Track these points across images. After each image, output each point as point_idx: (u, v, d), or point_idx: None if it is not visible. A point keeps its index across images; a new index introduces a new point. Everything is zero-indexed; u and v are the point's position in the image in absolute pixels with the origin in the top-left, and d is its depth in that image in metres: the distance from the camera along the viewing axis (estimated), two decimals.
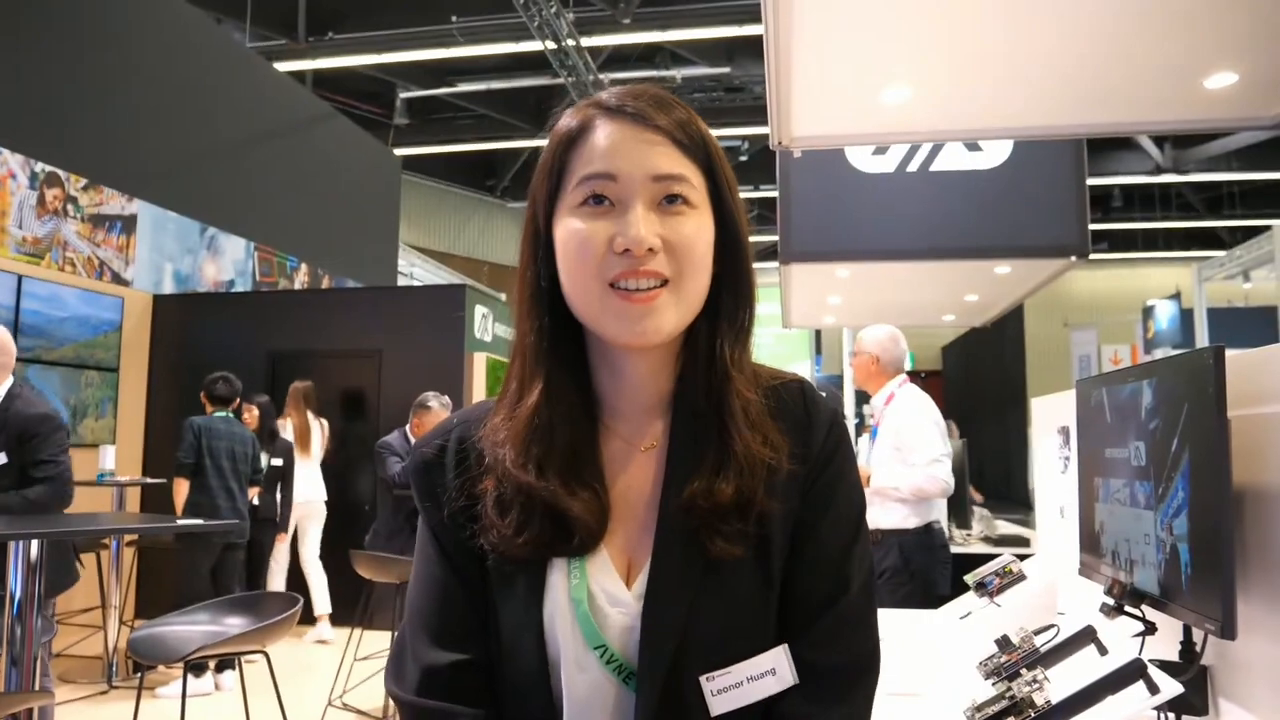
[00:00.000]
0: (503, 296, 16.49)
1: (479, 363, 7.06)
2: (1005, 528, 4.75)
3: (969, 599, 1.94)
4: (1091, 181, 15.44)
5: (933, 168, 4.20)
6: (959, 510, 4.44)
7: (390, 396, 6.77)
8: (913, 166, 4.21)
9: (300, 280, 9.10)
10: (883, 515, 3.74)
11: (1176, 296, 16.45)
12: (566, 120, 0.86)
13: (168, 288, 7.41)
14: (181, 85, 7.70)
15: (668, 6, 11.38)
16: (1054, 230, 4.09)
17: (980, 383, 20.09)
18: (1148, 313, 17.05)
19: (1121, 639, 1.38)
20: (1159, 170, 16.86)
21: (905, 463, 3.71)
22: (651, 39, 12.11)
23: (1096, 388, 1.80)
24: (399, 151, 14.90)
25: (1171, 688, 1.11)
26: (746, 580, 0.81)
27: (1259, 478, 1.32)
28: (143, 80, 7.29)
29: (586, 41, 11.33)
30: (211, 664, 5.00)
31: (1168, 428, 1.44)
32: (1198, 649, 1.47)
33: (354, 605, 4.82)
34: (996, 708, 1.21)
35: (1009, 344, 17.99)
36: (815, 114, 2.54)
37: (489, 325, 7.41)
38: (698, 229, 0.82)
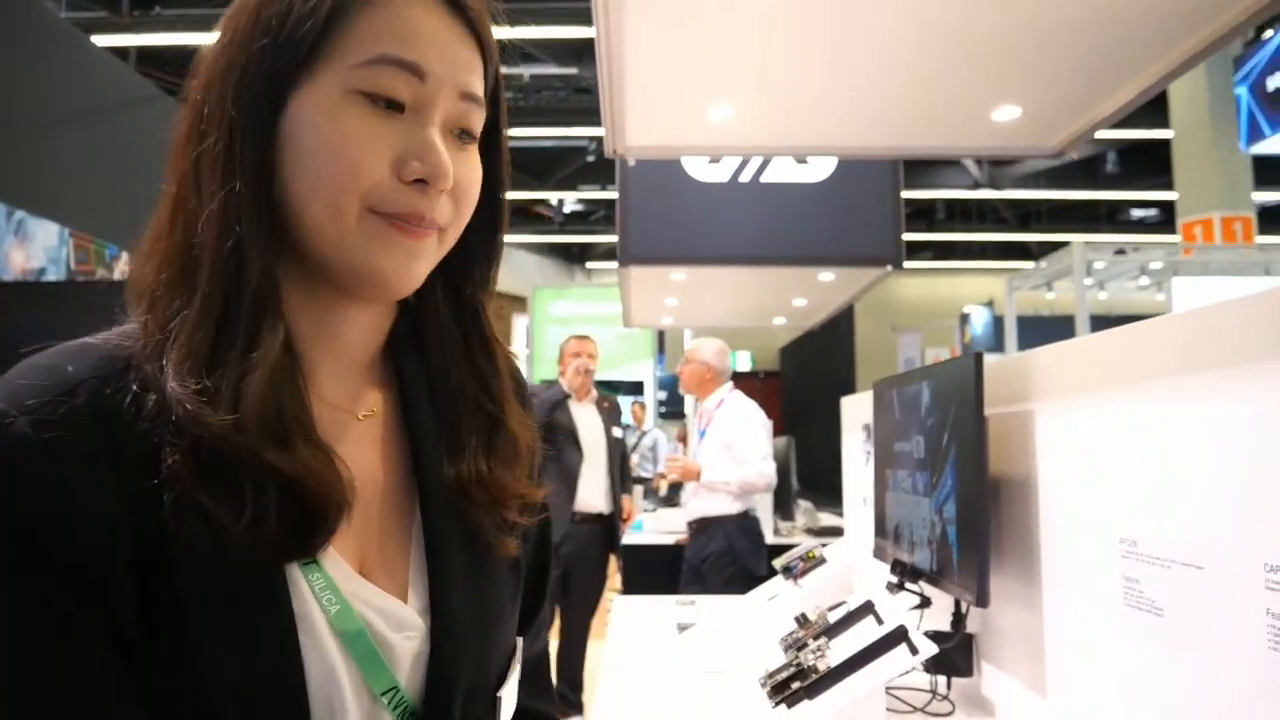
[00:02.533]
0: None
1: None
2: (827, 519, 5.05)
3: (777, 582, 2.11)
4: (918, 195, 16.45)
5: (763, 179, 4.42)
6: (784, 503, 4.69)
7: None
8: (745, 177, 4.43)
9: (120, 270, 8.59)
10: (710, 505, 4.00)
11: (990, 305, 17.74)
12: None
13: None
14: None
15: (517, 3, 11.38)
16: (872, 242, 4.38)
17: (814, 383, 21.01)
18: (965, 319, 18.27)
19: (900, 612, 1.54)
20: (977, 186, 18.15)
21: (735, 460, 3.98)
22: (499, 35, 12.07)
23: (888, 388, 1.99)
24: None
25: (929, 649, 1.27)
26: (509, 582, 0.72)
27: (1011, 467, 1.52)
28: None
29: None
30: None
31: (940, 424, 1.62)
32: (964, 619, 1.67)
33: None
34: (785, 674, 1.34)
35: (841, 346, 18.87)
36: (647, 125, 2.66)
37: None
38: (477, 167, 0.67)
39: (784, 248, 4.43)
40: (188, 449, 0.53)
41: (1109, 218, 20.49)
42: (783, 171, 4.40)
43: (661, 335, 19.22)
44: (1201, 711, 1.01)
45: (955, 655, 1.65)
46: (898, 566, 1.81)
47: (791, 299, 5.62)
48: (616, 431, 4.54)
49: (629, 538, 4.60)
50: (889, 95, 2.53)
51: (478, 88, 0.65)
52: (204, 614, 0.53)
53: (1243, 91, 10.00)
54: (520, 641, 0.74)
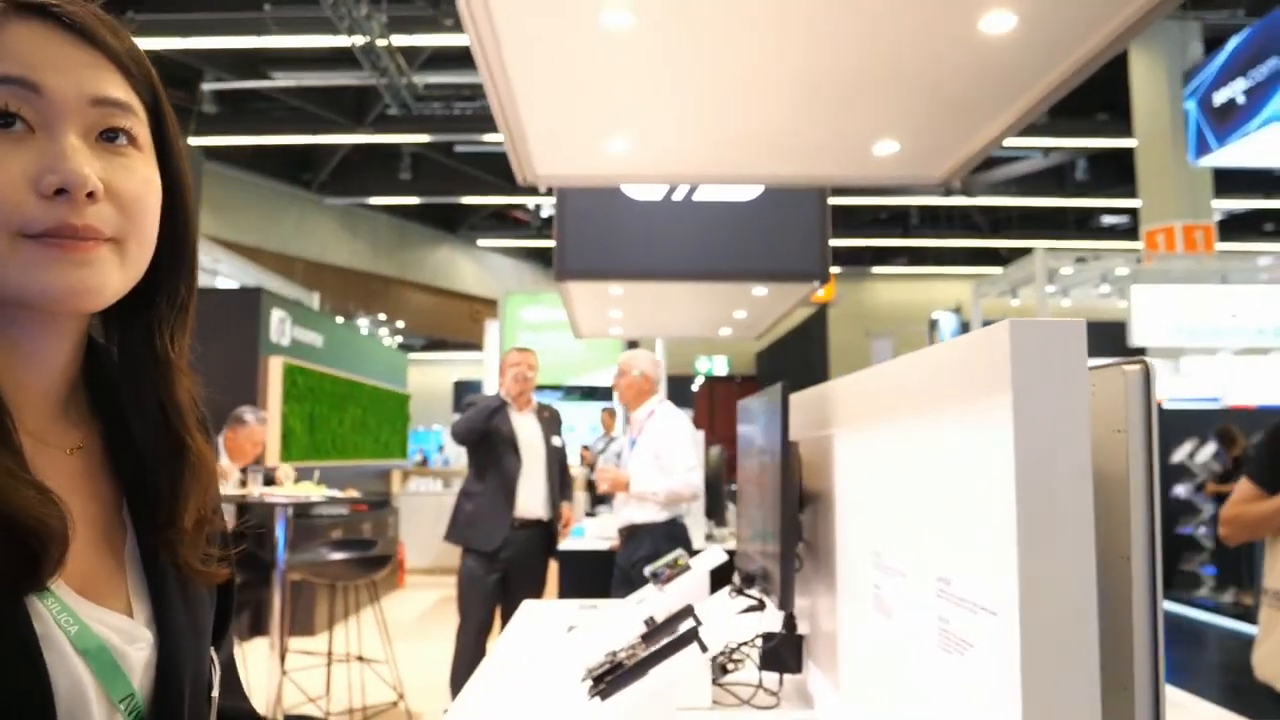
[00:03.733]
0: (316, 296, 16.09)
1: (275, 366, 7.01)
2: None
3: (648, 588, 2.27)
4: (892, 201, 16.52)
5: (696, 198, 4.59)
6: (716, 509, 4.86)
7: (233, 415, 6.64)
8: (678, 196, 4.59)
9: None
10: (638, 512, 4.16)
11: (957, 310, 17.99)
12: None
13: None
14: None
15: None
16: (799, 258, 4.56)
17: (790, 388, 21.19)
18: (933, 325, 18.50)
19: (727, 615, 1.71)
20: (950, 192, 18.37)
21: (663, 470, 4.13)
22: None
23: (748, 406, 2.17)
24: (205, 141, 14.35)
25: (715, 647, 1.43)
26: (208, 596, 0.78)
27: (820, 486, 1.69)
28: None
29: (404, 40, 11.30)
30: None
31: (765, 446, 1.80)
32: (794, 620, 1.83)
33: None
34: (602, 669, 1.51)
35: (815, 352, 19.05)
36: (547, 158, 2.82)
37: (286, 329, 7.37)
38: (148, 177, 0.68)
39: (716, 264, 4.60)
40: None
41: (1080, 224, 20.77)
42: (715, 191, 4.57)
43: (635, 344, 19.45)
44: (917, 708, 1.18)
45: (785, 654, 1.82)
46: (743, 573, 1.97)
47: (731, 311, 5.80)
48: (556, 440, 4.70)
49: (568, 543, 4.76)
50: (775, 129, 2.70)
51: (114, 93, 0.66)
52: None
53: (1191, 106, 10.25)
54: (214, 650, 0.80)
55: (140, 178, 0.67)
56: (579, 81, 2.40)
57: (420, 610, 8.02)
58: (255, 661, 5.36)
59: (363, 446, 8.89)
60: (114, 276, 0.65)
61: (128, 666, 0.66)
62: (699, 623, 1.62)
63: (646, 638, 1.58)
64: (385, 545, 8.25)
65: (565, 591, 4.60)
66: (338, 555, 4.77)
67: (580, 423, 12.13)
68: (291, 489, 4.65)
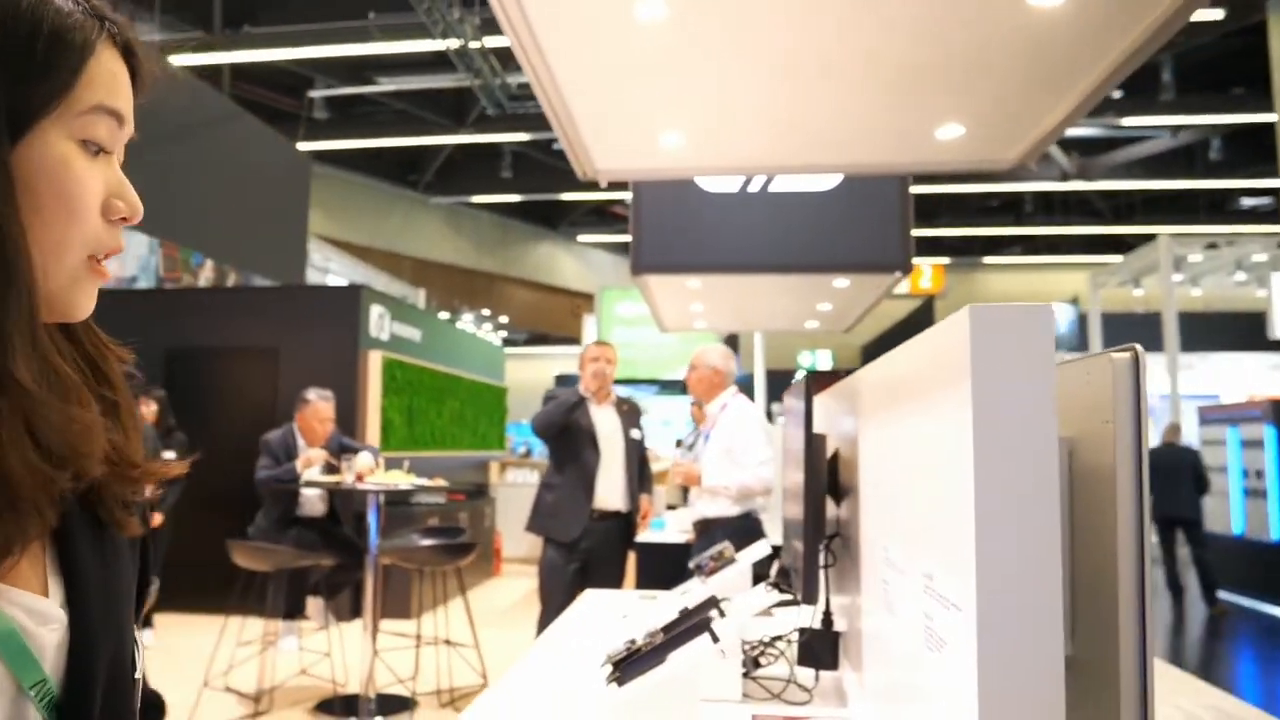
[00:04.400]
0: (422, 292, 16.53)
1: (374, 360, 7.27)
2: None
3: (693, 580, 2.27)
4: (1004, 188, 15.85)
5: (772, 189, 4.53)
6: None
7: (287, 394, 6.93)
8: (754, 187, 4.55)
9: (206, 277, 9.20)
10: (711, 507, 4.15)
11: (1074, 302, 17.23)
12: (71, 6, 0.65)
13: None
14: None
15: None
16: (879, 249, 4.46)
17: None
18: None
19: (755, 607, 1.70)
20: (1065, 177, 17.58)
21: (735, 464, 4.11)
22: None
23: (788, 399, 2.14)
24: (318, 146, 14.94)
25: (740, 641, 1.42)
26: (130, 563, 0.75)
27: (851, 481, 1.65)
28: None
29: (495, 42, 11.51)
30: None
31: (798, 436, 1.77)
32: (830, 617, 1.80)
33: (227, 593, 5.00)
34: (621, 655, 1.52)
35: None
36: (604, 153, 2.83)
37: (385, 324, 7.61)
38: None
39: (794, 256, 4.54)
40: None
41: (1215, 207, 19.62)
42: (791, 182, 4.51)
43: (735, 338, 19.32)
44: (914, 708, 1.15)
45: (820, 649, 1.79)
46: (781, 567, 1.95)
47: (814, 304, 5.71)
48: (635, 433, 4.72)
49: (647, 536, 4.79)
50: (833, 116, 2.65)
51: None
52: None
53: None
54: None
55: None
56: (625, 76, 2.40)
57: (513, 598, 8.19)
58: (351, 641, 5.58)
59: (460, 438, 9.13)
60: None
61: (38, 649, 0.63)
62: (721, 614, 1.61)
63: (668, 627, 1.58)
64: (481, 535, 8.46)
65: (642, 583, 4.63)
66: (425, 541, 4.91)
67: (674, 416, 12.14)
68: (381, 477, 4.80)
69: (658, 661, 1.45)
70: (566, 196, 18.42)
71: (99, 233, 0.65)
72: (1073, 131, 16.18)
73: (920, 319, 15.58)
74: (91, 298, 0.67)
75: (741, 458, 4.11)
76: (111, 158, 0.67)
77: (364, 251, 17.24)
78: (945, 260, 21.71)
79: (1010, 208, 20.91)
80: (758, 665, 1.85)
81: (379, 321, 7.49)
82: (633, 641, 1.55)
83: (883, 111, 2.61)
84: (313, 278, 12.67)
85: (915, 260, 17.59)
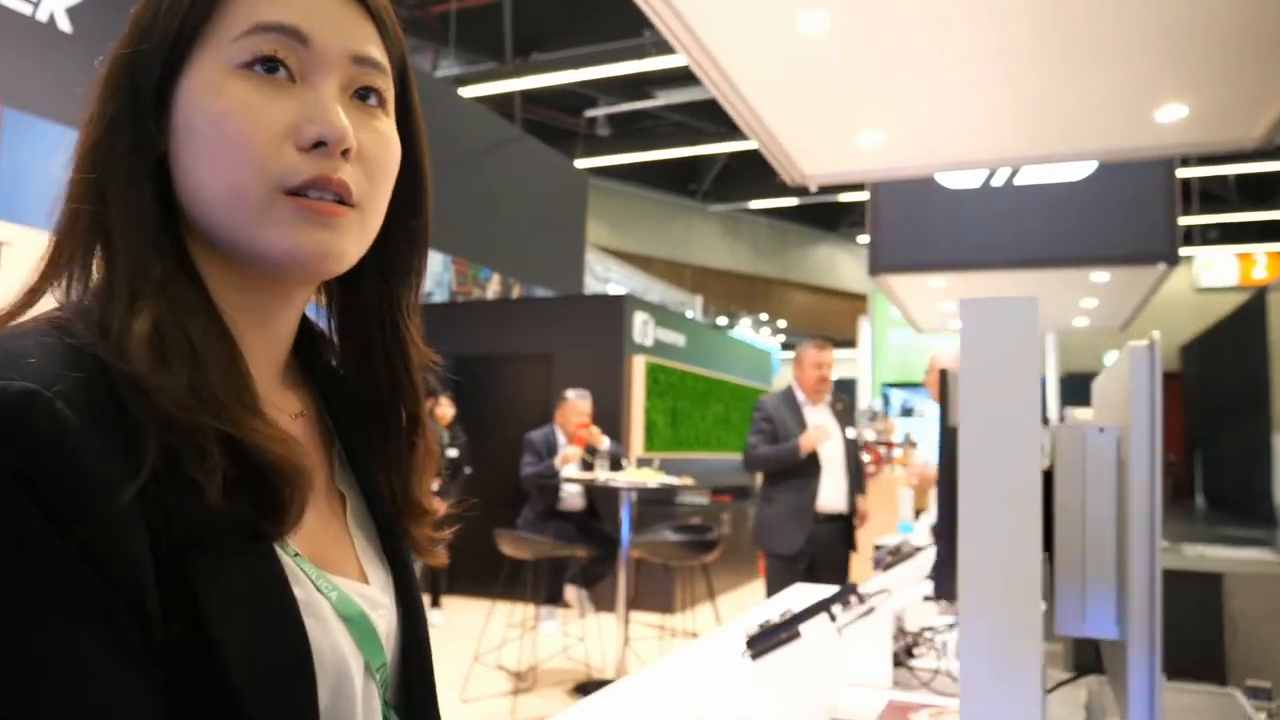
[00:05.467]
0: (699, 299, 17.03)
1: (638, 365, 7.69)
2: None
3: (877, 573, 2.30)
4: None
5: (1018, 182, 4.35)
6: None
7: (560, 395, 7.54)
8: (997, 181, 4.38)
9: (492, 289, 10.14)
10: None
11: None
12: None
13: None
14: None
15: None
16: (1137, 239, 4.14)
17: (1222, 384, 18.49)
18: None
19: (901, 598, 1.73)
20: None
21: None
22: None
23: None
24: (601, 161, 15.89)
25: (846, 620, 1.49)
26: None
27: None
28: None
29: None
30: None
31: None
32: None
33: (494, 580, 5.50)
34: (758, 631, 1.64)
35: (1253, 344, 16.54)
36: (810, 159, 2.92)
37: (649, 330, 8.02)
38: (393, 143, 0.65)
39: (1042, 250, 4.32)
40: (172, 432, 0.52)
41: None
42: (1038, 173, 4.30)
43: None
44: None
45: None
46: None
47: (1077, 299, 5.33)
48: (850, 432, 4.67)
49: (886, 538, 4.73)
50: (1028, 103, 2.57)
51: (374, 53, 0.63)
52: (214, 601, 0.52)
53: None
54: None
55: (386, 141, 0.64)
56: (807, 81, 2.48)
57: None
58: (608, 629, 5.95)
59: (725, 440, 9.39)
60: (354, 243, 0.62)
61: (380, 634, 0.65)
62: (859, 599, 1.67)
63: (801, 612, 1.66)
64: (744, 536, 8.64)
65: None
66: (672, 537, 5.16)
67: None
68: (631, 475, 5.13)
69: (788, 635, 1.55)
70: (845, 198, 18.22)
71: (285, 161, 0.58)
72: None
73: (1251, 313, 13.86)
74: (309, 237, 0.59)
75: None
76: (311, 80, 0.60)
77: (647, 261, 18.05)
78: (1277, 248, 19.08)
79: None
80: (911, 654, 1.87)
81: (643, 328, 7.90)
82: (767, 620, 1.65)
83: (1086, 94, 2.49)
84: (594, 288, 13.53)
85: (1244, 248, 15.59)
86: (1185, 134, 2.57)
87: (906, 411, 13.24)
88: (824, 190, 16.18)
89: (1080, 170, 4.25)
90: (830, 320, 21.36)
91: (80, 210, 0.59)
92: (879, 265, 4.59)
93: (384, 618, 0.66)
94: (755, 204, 19.41)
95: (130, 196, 0.59)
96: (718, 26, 2.13)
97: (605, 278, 14.50)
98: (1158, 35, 2.21)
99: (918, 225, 4.51)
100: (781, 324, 20.64)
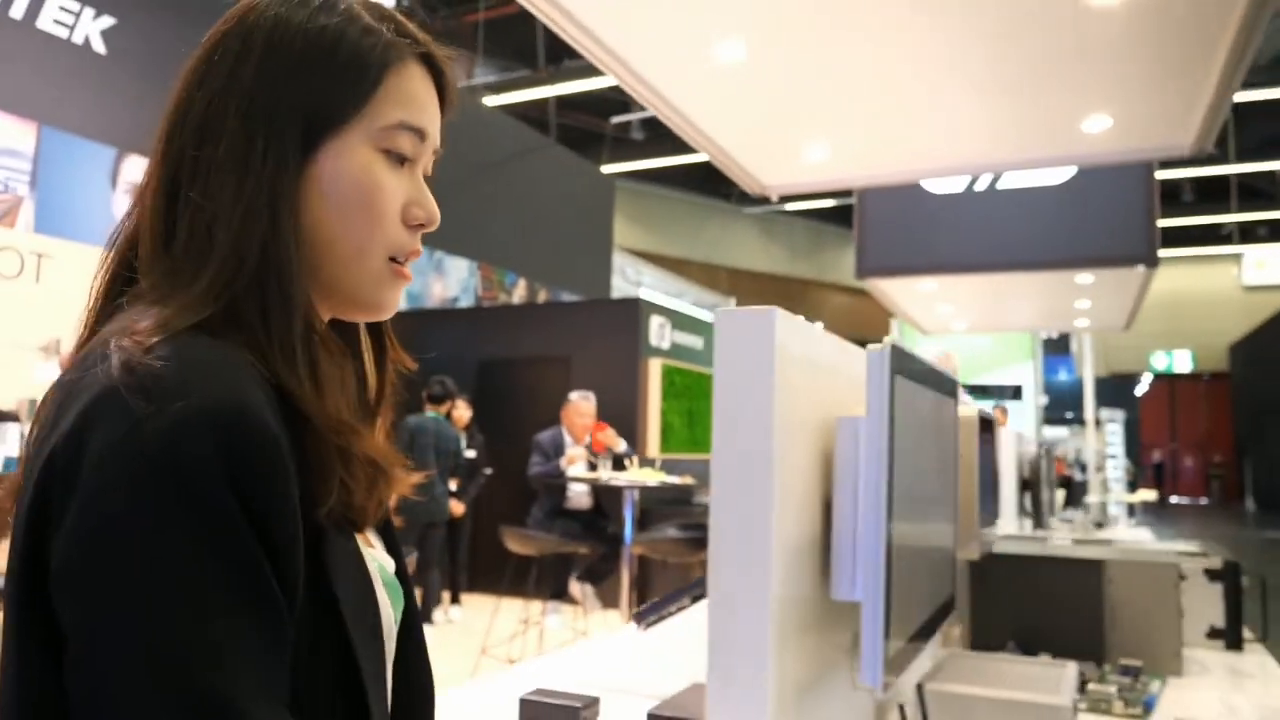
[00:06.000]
0: (732, 301, 17.12)
1: (654, 367, 7.84)
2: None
3: None
4: None
5: (1000, 186, 4.43)
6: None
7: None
8: (980, 186, 4.46)
9: (519, 294, 10.36)
10: None
11: None
12: (377, 26, 0.71)
13: (401, 306, 8.81)
14: None
15: None
16: (1120, 241, 4.19)
17: (1272, 385, 18.08)
18: None
19: None
20: None
21: None
22: None
23: None
24: (635, 165, 16.06)
25: None
26: None
27: None
28: None
29: None
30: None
31: None
32: None
33: (500, 575, 5.68)
34: (647, 606, 1.78)
35: None
36: (764, 171, 3.06)
37: (666, 333, 8.16)
38: None
39: (1025, 253, 4.39)
40: (326, 447, 0.64)
41: None
42: (1021, 177, 4.37)
43: (1066, 339, 17.87)
44: None
45: None
46: None
47: (1070, 301, 5.37)
48: None
49: None
50: (971, 116, 2.68)
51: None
52: (338, 576, 0.64)
53: None
54: None
55: None
56: (743, 99, 2.60)
57: None
58: (613, 625, 6.10)
59: None
60: None
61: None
62: None
63: (686, 588, 1.81)
64: None
65: None
66: (673, 534, 5.30)
67: None
68: (634, 475, 5.28)
69: (676, 608, 1.69)
70: None
71: (399, 236, 0.72)
72: None
73: None
74: (395, 297, 0.74)
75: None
76: (415, 169, 0.74)
77: (682, 265, 18.16)
78: None
79: None
80: None
81: (659, 331, 8.05)
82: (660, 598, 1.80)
83: (1017, 110, 2.59)
84: (627, 291, 13.68)
85: None
86: (1114, 143, 2.65)
87: None
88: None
89: (1061, 174, 4.32)
90: (867, 321, 21.29)
91: (250, 241, 0.65)
92: (866, 268, 4.68)
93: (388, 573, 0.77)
94: (791, 205, 19.43)
95: (286, 229, 0.66)
96: (642, 51, 2.28)
97: (637, 281, 14.65)
98: (1078, 51, 2.31)
99: (904, 229, 4.61)
100: (818, 326, 20.62)
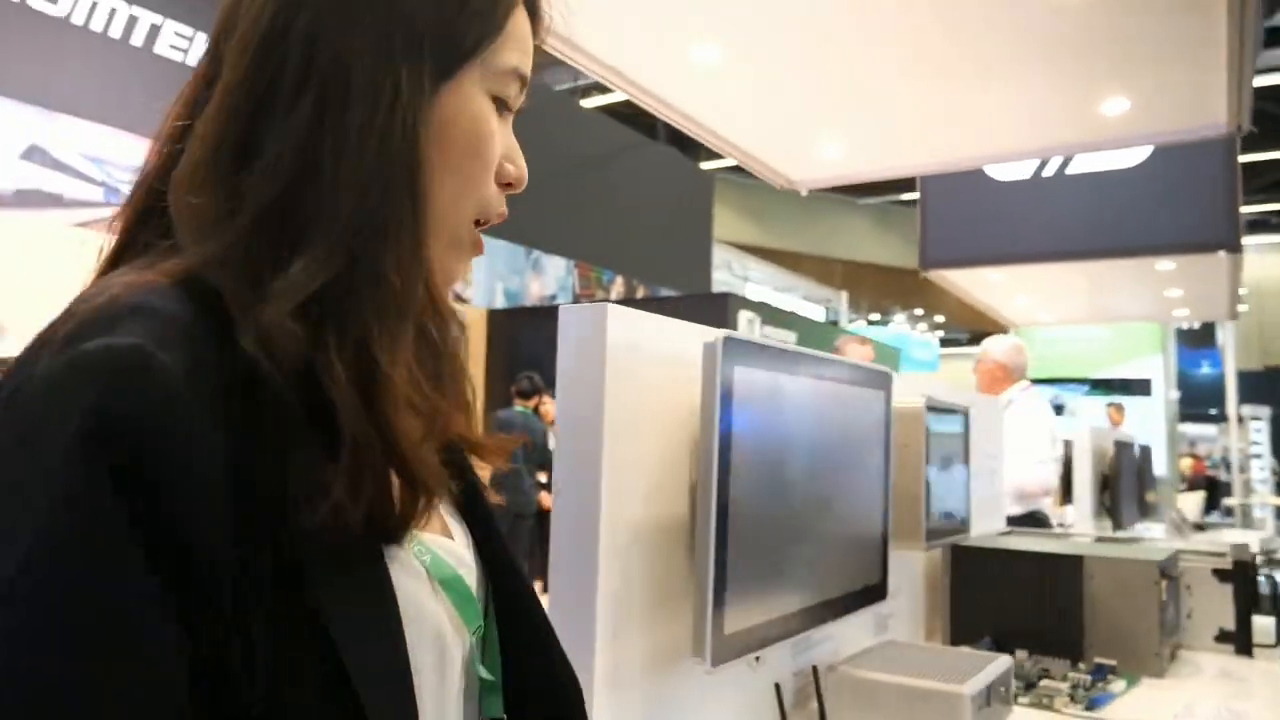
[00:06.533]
0: (844, 295, 16.82)
1: None
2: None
3: None
4: None
5: (1069, 171, 4.28)
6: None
7: None
8: (1048, 172, 4.32)
9: (616, 291, 10.51)
10: None
11: None
12: None
13: (499, 303, 9.14)
14: None
15: None
16: (1199, 227, 4.00)
17: None
18: None
19: None
20: None
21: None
22: None
23: None
24: None
25: None
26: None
27: None
28: None
29: None
30: None
31: None
32: None
33: None
34: None
35: None
36: (789, 166, 3.08)
37: (755, 328, 8.16)
38: None
39: (1097, 240, 4.24)
40: (310, 416, 0.50)
41: None
42: (1092, 160, 4.21)
43: (1211, 329, 16.75)
44: None
45: None
46: None
47: (1160, 290, 5.10)
48: None
49: None
50: (984, 103, 2.65)
51: None
52: (319, 578, 0.49)
53: None
54: None
55: None
56: (775, 89, 2.64)
57: None
58: None
59: None
60: None
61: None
62: None
63: None
64: None
65: None
66: None
67: (1097, 418, 11.12)
68: None
69: None
70: None
71: (490, 194, 0.62)
72: None
73: None
74: (466, 266, 0.64)
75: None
76: (508, 121, 0.65)
77: (795, 259, 17.98)
78: None
79: None
80: None
81: (748, 326, 8.04)
82: None
83: (1035, 94, 2.54)
84: (733, 286, 13.67)
85: None
86: (1136, 125, 2.57)
87: (1058, 409, 12.68)
88: None
89: (1134, 156, 4.14)
90: (989, 314, 20.54)
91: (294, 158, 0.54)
92: (930, 260, 4.60)
93: (469, 574, 0.64)
94: (909, 195, 18.96)
95: (421, 174, 0.57)
96: (639, 65, 2.35)
97: (744, 276, 14.62)
98: (1091, 33, 2.27)
99: (968, 218, 4.50)
100: (939, 319, 20.05)
